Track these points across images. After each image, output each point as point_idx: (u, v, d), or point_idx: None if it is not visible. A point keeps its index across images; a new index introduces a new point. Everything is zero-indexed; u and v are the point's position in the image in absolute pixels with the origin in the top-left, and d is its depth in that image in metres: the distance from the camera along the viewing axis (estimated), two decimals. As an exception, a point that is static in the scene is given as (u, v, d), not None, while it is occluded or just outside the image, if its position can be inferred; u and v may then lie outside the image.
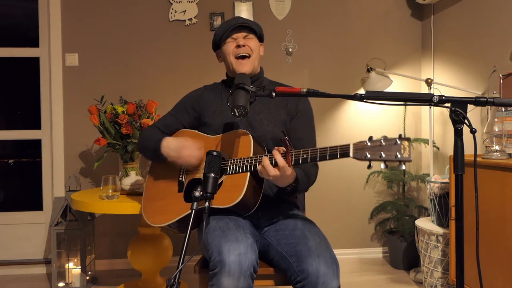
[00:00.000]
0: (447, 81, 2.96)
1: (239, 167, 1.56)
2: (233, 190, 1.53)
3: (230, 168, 1.58)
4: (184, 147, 1.66)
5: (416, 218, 2.92)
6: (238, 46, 1.74)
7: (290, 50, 3.23)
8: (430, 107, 2.86)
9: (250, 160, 1.53)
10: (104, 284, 2.85)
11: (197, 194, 1.41)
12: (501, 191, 1.98)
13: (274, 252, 1.59)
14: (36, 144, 3.19)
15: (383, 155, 1.22)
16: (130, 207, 2.09)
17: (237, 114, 1.46)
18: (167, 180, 1.76)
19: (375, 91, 2.91)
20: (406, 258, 3.02)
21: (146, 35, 3.15)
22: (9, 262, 3.09)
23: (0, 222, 3.13)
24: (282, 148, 1.45)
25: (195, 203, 1.41)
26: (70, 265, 2.76)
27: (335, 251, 1.54)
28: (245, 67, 1.74)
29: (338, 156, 1.33)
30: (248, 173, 1.53)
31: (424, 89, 3.16)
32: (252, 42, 1.77)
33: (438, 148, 3.09)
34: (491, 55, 2.56)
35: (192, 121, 1.86)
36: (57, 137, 3.09)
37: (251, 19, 3.14)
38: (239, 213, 1.60)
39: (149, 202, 1.79)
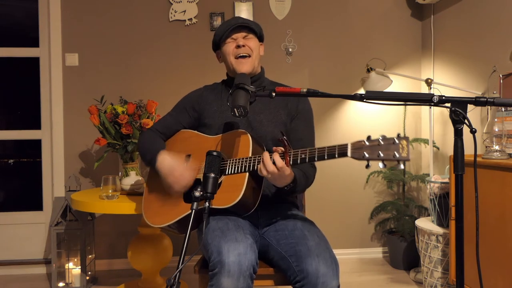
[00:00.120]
0: (447, 81, 2.96)
1: (238, 167, 1.55)
2: (232, 190, 1.53)
3: (229, 168, 1.58)
4: (173, 172, 1.62)
5: (416, 218, 2.92)
6: (238, 46, 1.73)
7: (290, 50, 3.23)
8: (430, 107, 2.86)
9: (249, 160, 1.53)
10: (104, 284, 2.85)
11: (197, 194, 1.41)
12: (501, 191, 1.98)
13: (274, 252, 1.59)
14: (36, 144, 3.19)
15: (381, 155, 1.22)
16: (130, 207, 2.09)
17: (237, 114, 1.46)
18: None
19: (375, 91, 2.91)
20: (406, 258, 3.02)
21: (146, 35, 3.15)
22: (9, 262, 3.09)
23: (0, 222, 3.13)
24: (281, 148, 1.45)
25: (195, 203, 1.41)
26: (70, 265, 2.76)
27: (335, 251, 1.54)
28: (245, 67, 1.74)
29: (336, 156, 1.32)
30: (247, 174, 1.53)
31: (424, 89, 3.16)
32: (252, 42, 1.76)
33: (438, 148, 3.09)
34: (491, 55, 2.56)
35: (192, 122, 1.85)
36: (57, 137, 3.09)
37: (251, 19, 3.14)
38: (238, 213, 1.60)
39: (149, 203, 1.79)
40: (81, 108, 3.00)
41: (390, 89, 3.14)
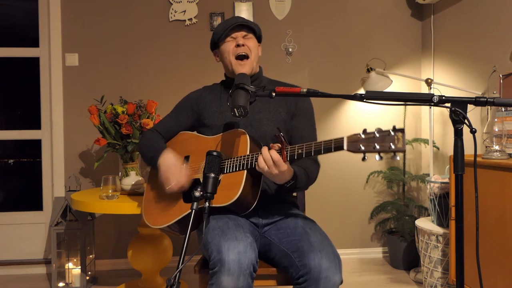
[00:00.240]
0: (447, 81, 2.96)
1: (236, 165, 1.56)
2: (231, 188, 1.53)
3: (227, 167, 1.58)
4: (169, 170, 1.64)
5: (416, 218, 2.92)
6: (238, 46, 1.73)
7: (290, 50, 3.23)
8: (430, 107, 2.86)
9: (247, 158, 1.53)
10: (104, 284, 2.85)
11: (197, 194, 1.41)
12: (501, 191, 1.98)
13: (276, 250, 1.59)
14: (36, 144, 3.19)
15: (377, 147, 1.22)
16: (130, 207, 2.09)
17: (237, 114, 1.46)
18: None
19: (375, 91, 2.91)
20: (406, 258, 3.02)
21: (146, 35, 3.15)
22: (9, 262, 3.09)
23: (0, 222, 3.13)
24: (278, 144, 1.45)
25: (195, 203, 1.41)
26: (70, 265, 2.76)
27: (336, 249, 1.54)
28: (244, 68, 1.74)
29: (333, 150, 1.33)
30: (245, 171, 1.53)
31: (424, 89, 3.16)
32: (251, 42, 1.77)
33: (438, 148, 3.09)
34: (491, 55, 2.56)
35: (192, 122, 1.86)
36: (57, 137, 3.09)
37: (251, 19, 3.14)
38: (237, 211, 1.60)
39: (149, 203, 1.79)
40: (81, 108, 3.00)
41: (390, 89, 3.14)
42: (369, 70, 3.08)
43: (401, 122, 3.24)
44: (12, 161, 3.44)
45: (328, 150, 1.35)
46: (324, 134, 3.24)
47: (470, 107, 1.20)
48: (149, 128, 2.42)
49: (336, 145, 1.32)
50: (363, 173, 3.30)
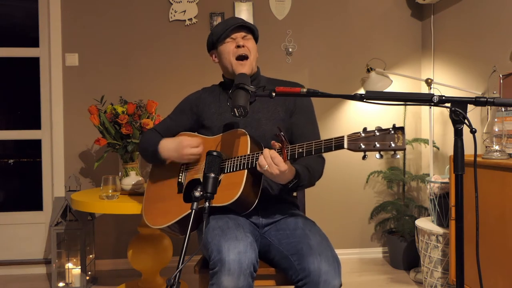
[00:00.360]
0: (447, 81, 2.96)
1: (236, 165, 1.56)
2: (231, 188, 1.53)
3: (227, 167, 1.58)
4: (183, 147, 1.67)
5: (416, 218, 2.92)
6: (238, 47, 1.73)
7: (290, 50, 3.23)
8: (430, 107, 2.86)
9: (247, 158, 1.53)
10: (104, 284, 2.85)
11: (197, 194, 1.41)
12: (501, 191, 1.98)
13: (275, 252, 1.59)
14: (36, 144, 3.19)
15: (377, 145, 1.24)
16: (130, 207, 2.09)
17: (237, 114, 1.46)
18: (167, 182, 1.76)
19: (375, 91, 2.91)
20: (406, 258, 3.02)
21: (146, 35, 3.15)
22: (9, 262, 3.09)
23: (0, 222, 3.13)
24: (278, 144, 1.45)
25: (195, 203, 1.41)
26: (70, 265, 2.76)
27: (335, 251, 1.54)
28: (244, 68, 1.74)
29: (333, 148, 1.34)
30: (246, 171, 1.53)
31: (424, 89, 3.16)
32: (250, 42, 1.77)
33: (438, 148, 3.09)
34: (491, 55, 2.56)
35: (192, 124, 1.86)
36: (57, 137, 3.09)
37: (251, 19, 3.15)
38: (238, 211, 1.59)
39: (150, 204, 1.79)
40: (81, 108, 3.00)
41: (390, 89, 3.14)
42: (369, 70, 3.08)
43: (401, 122, 3.24)
44: (12, 161, 3.44)
45: (328, 149, 1.35)
46: (324, 134, 3.24)
47: (470, 107, 1.20)
48: (149, 128, 2.43)
49: (336, 144, 1.33)
50: (363, 173, 3.30)
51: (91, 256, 2.87)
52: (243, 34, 1.76)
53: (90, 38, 3.11)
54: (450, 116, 1.16)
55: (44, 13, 3.12)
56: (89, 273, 2.83)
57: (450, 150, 2.95)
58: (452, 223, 2.30)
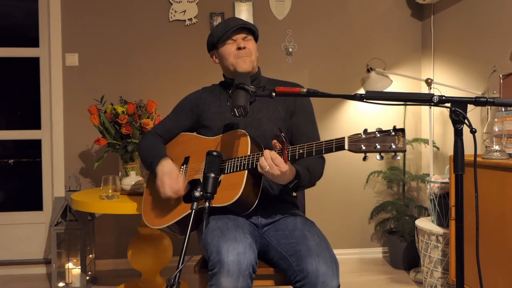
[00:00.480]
0: (447, 81, 2.96)
1: (237, 165, 1.56)
2: (231, 188, 1.53)
3: (227, 167, 1.58)
4: (164, 177, 1.64)
5: (416, 218, 2.92)
6: (239, 48, 1.73)
7: (290, 50, 3.23)
8: (430, 107, 2.86)
9: (248, 158, 1.53)
10: (104, 284, 2.85)
11: (197, 194, 1.41)
12: (501, 191, 1.98)
13: (274, 252, 1.59)
14: (36, 144, 3.19)
15: (378, 146, 1.24)
16: (130, 207, 2.09)
17: (237, 114, 1.46)
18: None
19: (375, 91, 2.91)
20: (406, 258, 3.02)
21: (146, 35, 3.15)
22: (9, 262, 3.09)
23: (0, 222, 3.13)
24: (279, 144, 1.45)
25: (195, 203, 1.41)
26: (70, 265, 2.76)
27: (335, 251, 1.54)
28: (245, 65, 1.73)
29: (334, 150, 1.34)
30: (246, 171, 1.53)
31: (424, 89, 3.16)
32: (251, 43, 1.77)
33: (438, 148, 3.09)
34: (491, 55, 2.56)
35: (192, 124, 1.86)
36: (57, 137, 3.09)
37: (251, 19, 3.15)
38: (237, 211, 1.60)
39: (149, 204, 1.79)
40: (81, 108, 3.00)
41: (390, 89, 3.14)
42: (369, 70, 3.08)
43: (401, 122, 3.24)
44: (12, 161, 3.44)
45: (329, 150, 1.36)
46: (325, 134, 3.24)
47: (470, 107, 1.20)
48: (149, 128, 2.43)
49: (337, 145, 1.33)
50: (363, 173, 3.30)
51: (91, 256, 2.87)
52: (243, 35, 1.76)
53: (90, 38, 3.11)
54: (450, 116, 1.16)
55: (44, 13, 3.12)
56: (89, 273, 2.83)
57: (450, 150, 2.95)
58: (452, 223, 2.30)
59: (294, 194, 1.91)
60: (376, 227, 3.31)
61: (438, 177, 2.63)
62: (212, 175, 1.43)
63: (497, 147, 2.13)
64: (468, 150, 2.35)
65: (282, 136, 1.41)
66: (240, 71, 1.73)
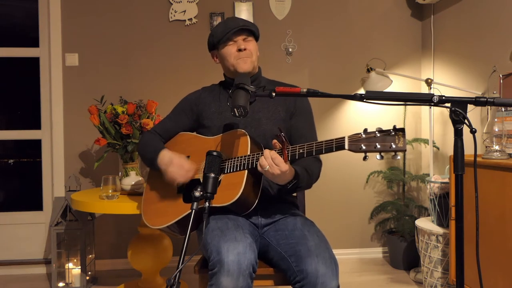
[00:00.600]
0: (447, 81, 2.96)
1: (236, 165, 1.56)
2: (231, 188, 1.53)
3: (227, 167, 1.58)
4: (171, 164, 1.65)
5: (416, 218, 2.92)
6: (240, 50, 1.73)
7: (290, 50, 3.23)
8: (430, 107, 2.86)
9: (248, 158, 1.53)
10: (104, 284, 2.85)
11: (197, 194, 1.41)
12: (501, 191, 1.98)
13: (274, 252, 1.59)
14: (36, 144, 3.19)
15: (378, 146, 1.25)
16: (130, 207, 2.09)
17: (237, 114, 1.46)
18: (166, 182, 1.76)
19: (375, 91, 2.91)
20: (406, 258, 3.02)
21: (146, 35, 3.15)
22: (9, 262, 3.09)
23: (0, 222, 3.13)
24: (279, 144, 1.45)
25: (195, 203, 1.41)
26: (70, 265, 2.76)
27: (335, 251, 1.54)
28: (246, 65, 1.73)
29: (334, 149, 1.34)
30: (246, 171, 1.53)
31: (424, 89, 3.16)
32: (251, 44, 1.77)
33: (438, 148, 3.09)
34: (491, 55, 2.56)
35: (191, 124, 1.86)
36: (57, 137, 3.09)
37: (251, 19, 3.14)
38: (237, 211, 1.60)
39: (149, 204, 1.79)
40: (81, 108, 3.00)
41: (390, 89, 3.14)
42: (369, 70, 3.08)
43: (401, 122, 3.24)
44: (12, 161, 3.44)
45: (329, 149, 1.36)
46: (324, 134, 3.24)
47: (470, 107, 1.20)
48: (149, 128, 2.43)
49: (337, 145, 1.33)
50: (363, 173, 3.30)
51: (91, 256, 2.87)
52: (243, 36, 1.76)
53: (90, 38, 3.11)
54: (450, 116, 1.16)
55: (44, 13, 3.12)
56: (89, 273, 2.83)
57: (450, 150, 2.95)
58: (452, 223, 2.30)
59: (294, 194, 1.91)
60: (376, 227, 3.31)
61: (438, 177, 2.63)
62: (212, 175, 1.43)
63: (497, 147, 2.13)
64: (468, 150, 2.35)
65: (282, 136, 1.41)
66: (241, 72, 1.73)
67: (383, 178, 3.29)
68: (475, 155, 1.16)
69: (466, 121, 1.14)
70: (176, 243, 2.73)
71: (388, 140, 1.24)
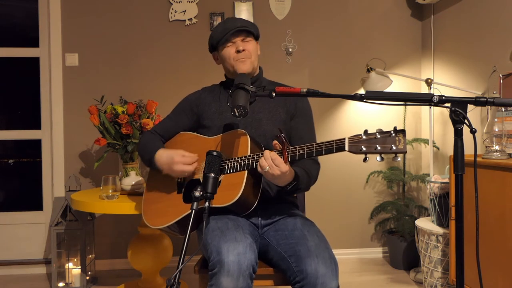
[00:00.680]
0: (447, 81, 2.96)
1: (236, 165, 1.56)
2: (231, 188, 1.53)
3: (228, 167, 1.58)
4: (174, 162, 1.65)
5: (416, 218, 2.92)
6: (238, 51, 1.73)
7: (290, 50, 3.23)
8: (430, 107, 2.86)
9: (248, 158, 1.53)
10: (104, 284, 2.85)
11: (197, 194, 1.41)
12: (501, 191, 1.98)
13: (274, 252, 1.59)
14: (36, 144, 3.19)
15: (379, 148, 1.24)
16: (130, 207, 2.09)
17: (237, 114, 1.46)
18: (166, 182, 1.76)
19: (375, 91, 2.91)
20: (406, 258, 3.02)
21: (146, 35, 3.15)
22: (9, 262, 3.09)
23: (0, 222, 3.13)
24: (279, 145, 1.45)
25: (195, 203, 1.41)
26: (70, 265, 2.76)
27: (335, 251, 1.54)
28: (245, 66, 1.74)
29: (334, 151, 1.34)
30: (246, 172, 1.53)
31: (424, 89, 3.16)
32: (250, 45, 1.76)
33: (438, 148, 3.09)
34: (491, 55, 2.56)
35: (191, 124, 1.86)
36: (57, 137, 3.09)
37: (251, 19, 3.14)
38: (237, 212, 1.60)
39: (149, 204, 1.79)
40: (81, 108, 3.00)
41: (390, 89, 3.14)
42: (369, 70, 3.08)
43: (401, 122, 3.24)
44: (12, 161, 3.44)
45: (329, 151, 1.36)
46: (324, 134, 3.24)
47: (470, 107, 1.20)
48: (149, 128, 2.43)
49: (337, 146, 1.33)
50: (363, 173, 3.29)
51: (91, 256, 2.87)
52: (242, 37, 1.75)
53: (90, 38, 3.11)
54: (450, 116, 1.16)
55: (44, 13, 3.12)
56: (89, 273, 2.83)
57: (450, 150, 2.95)
58: (452, 223, 2.30)
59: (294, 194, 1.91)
60: (376, 227, 3.31)
61: (438, 177, 2.63)
62: (212, 175, 1.43)
63: (497, 147, 2.13)
64: (468, 150, 2.35)
65: (282, 136, 1.41)
66: (240, 73, 1.73)
67: (383, 178, 3.29)
68: (475, 155, 1.16)
69: (466, 121, 1.14)
70: (176, 243, 2.73)
71: (388, 141, 1.24)
